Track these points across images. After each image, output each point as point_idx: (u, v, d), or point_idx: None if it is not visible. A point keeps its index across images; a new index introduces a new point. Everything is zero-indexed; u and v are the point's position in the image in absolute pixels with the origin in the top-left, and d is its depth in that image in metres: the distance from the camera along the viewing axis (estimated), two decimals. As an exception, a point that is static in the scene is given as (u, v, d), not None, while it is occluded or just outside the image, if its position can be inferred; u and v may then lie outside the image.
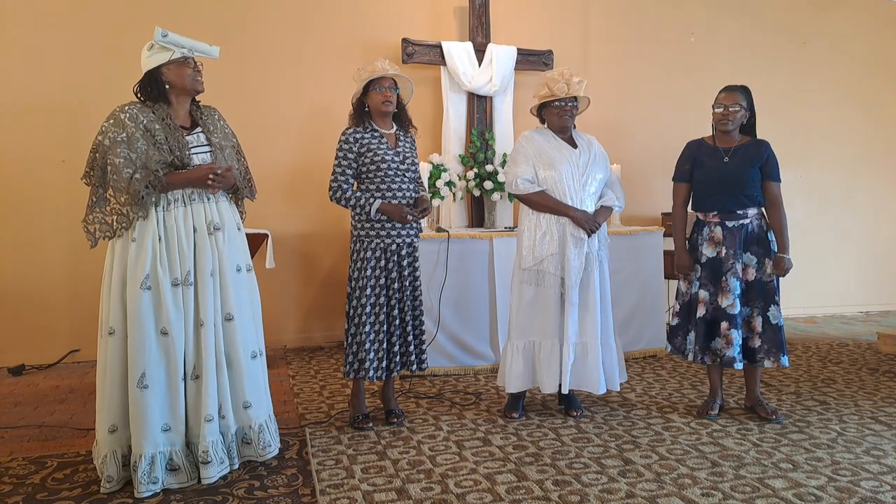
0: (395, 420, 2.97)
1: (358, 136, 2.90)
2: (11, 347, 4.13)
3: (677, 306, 3.09)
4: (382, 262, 2.89)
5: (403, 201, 2.91)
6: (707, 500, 2.18)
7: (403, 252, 2.93)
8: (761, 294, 2.93)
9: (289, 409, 3.22)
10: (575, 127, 3.14)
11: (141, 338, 2.21)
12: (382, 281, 2.89)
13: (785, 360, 2.91)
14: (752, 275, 2.93)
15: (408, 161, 2.95)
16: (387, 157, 2.88)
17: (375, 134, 2.92)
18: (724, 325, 2.90)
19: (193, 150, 2.34)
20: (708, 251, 2.98)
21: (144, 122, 2.26)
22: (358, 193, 2.90)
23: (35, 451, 2.68)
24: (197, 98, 2.46)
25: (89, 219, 2.31)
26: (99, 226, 2.29)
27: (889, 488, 2.25)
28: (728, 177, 2.93)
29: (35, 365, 4.12)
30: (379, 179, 2.88)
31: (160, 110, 2.31)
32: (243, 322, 2.41)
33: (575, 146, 3.07)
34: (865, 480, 2.31)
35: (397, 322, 2.92)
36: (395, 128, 3.00)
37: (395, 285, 2.91)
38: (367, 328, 2.86)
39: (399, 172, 2.90)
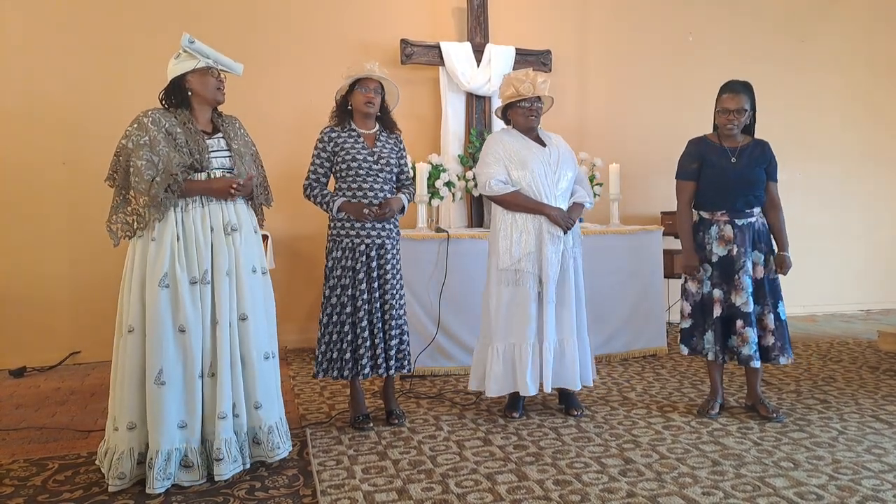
0: (396, 420, 2.97)
1: (333, 135, 2.92)
2: (13, 349, 4.13)
3: (688, 307, 3.07)
4: (350, 263, 2.88)
5: (375, 201, 2.89)
6: (708, 499, 2.18)
7: (373, 254, 2.89)
8: (771, 291, 2.96)
9: (289, 409, 3.21)
10: (539, 127, 3.14)
11: (158, 335, 2.25)
12: (346, 281, 2.87)
13: (791, 355, 2.97)
14: (760, 272, 2.94)
15: (383, 161, 2.92)
16: (358, 157, 2.87)
17: (353, 133, 2.92)
18: (739, 323, 2.90)
19: (213, 154, 2.40)
20: (719, 250, 2.97)
21: (166, 125, 2.33)
22: (326, 191, 2.92)
23: (36, 452, 2.68)
24: (219, 108, 2.53)
25: (112, 219, 2.36)
26: (121, 225, 2.34)
27: (890, 486, 2.25)
28: (739, 178, 2.94)
29: (36, 367, 4.12)
30: (351, 178, 2.88)
31: (182, 115, 2.38)
32: (257, 323, 2.44)
33: (543, 145, 3.07)
34: (866, 479, 2.31)
35: (363, 324, 2.86)
36: (376, 128, 2.99)
37: (363, 286, 2.86)
38: (338, 328, 2.87)
39: (372, 172, 2.89)
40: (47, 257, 4.24)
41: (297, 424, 2.99)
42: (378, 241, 2.90)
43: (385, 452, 2.63)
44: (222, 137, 2.46)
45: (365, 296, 2.87)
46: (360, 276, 2.87)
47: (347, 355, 2.87)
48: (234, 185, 2.35)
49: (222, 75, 2.46)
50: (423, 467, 2.48)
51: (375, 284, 2.89)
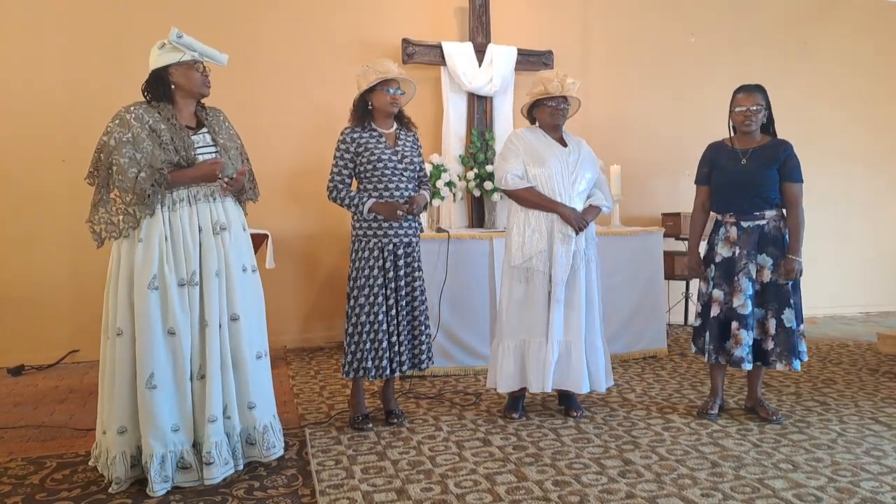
0: (395, 420, 2.97)
1: (355, 135, 2.91)
2: (11, 348, 4.13)
3: (699, 307, 3.08)
4: (380, 262, 2.89)
5: (401, 200, 2.90)
6: (707, 500, 2.18)
7: (401, 252, 2.92)
8: (776, 296, 2.89)
9: (289, 409, 3.22)
10: (564, 129, 3.14)
11: (149, 338, 2.22)
12: (380, 280, 2.88)
13: (797, 364, 2.87)
14: (767, 276, 2.90)
15: (406, 160, 2.94)
16: (383, 157, 2.88)
17: (374, 133, 2.92)
18: (734, 325, 2.89)
19: (199, 150, 2.35)
20: (723, 251, 2.97)
21: (150, 122, 2.27)
22: (353, 193, 2.91)
23: (34, 451, 2.68)
24: (202, 100, 2.48)
25: (94, 219, 2.29)
26: (105, 226, 2.27)
27: (889, 489, 2.25)
28: (744, 179, 2.92)
29: (35, 365, 4.12)
30: (376, 179, 2.88)
31: (165, 110, 2.31)
32: (249, 322, 2.41)
33: (565, 145, 3.08)
34: (865, 481, 2.31)
35: (395, 322, 2.91)
36: (395, 127, 3.00)
37: (393, 285, 2.89)
38: (367, 328, 2.86)
39: (397, 171, 2.90)
40: (46, 255, 4.23)
41: (297, 424, 2.99)
42: (406, 240, 2.93)
43: (384, 453, 2.63)
44: (207, 132, 2.40)
45: (395, 294, 2.89)
46: (391, 274, 2.88)
47: (387, 354, 2.87)
48: (227, 180, 2.28)
49: (207, 68, 2.40)
50: (422, 467, 2.47)
51: (403, 283, 2.92)
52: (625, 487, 2.28)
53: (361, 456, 2.59)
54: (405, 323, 2.94)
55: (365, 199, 2.87)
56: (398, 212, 2.85)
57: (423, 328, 2.99)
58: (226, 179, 2.32)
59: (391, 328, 2.90)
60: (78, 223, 4.23)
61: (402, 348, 2.92)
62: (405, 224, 2.92)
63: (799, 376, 3.76)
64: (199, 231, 2.32)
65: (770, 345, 2.90)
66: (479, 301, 3.92)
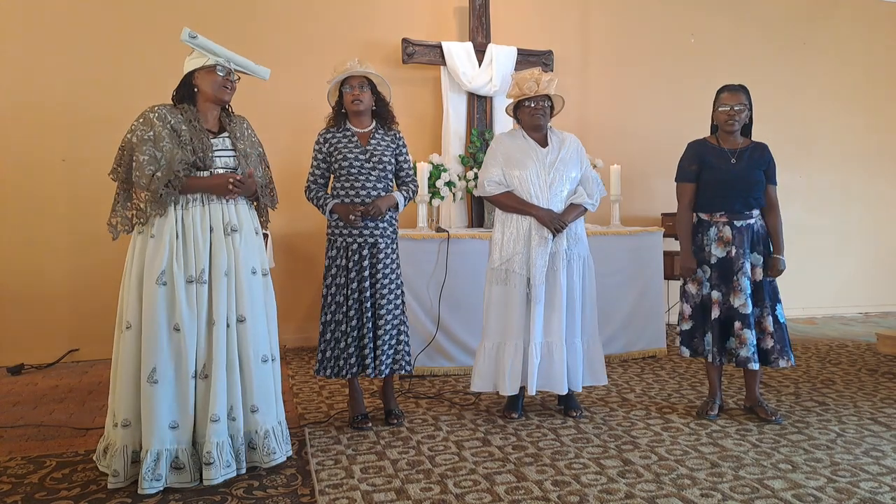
0: (395, 420, 2.97)
1: (328, 136, 2.94)
2: (10, 347, 4.13)
3: (688, 309, 3.05)
4: (343, 262, 2.89)
5: (368, 199, 2.89)
6: (706, 500, 2.18)
7: (365, 252, 2.89)
8: (769, 293, 2.95)
9: (288, 409, 3.20)
10: (552, 127, 3.14)
11: (153, 332, 2.23)
12: (341, 280, 2.89)
13: (793, 359, 2.95)
14: (759, 275, 2.94)
15: (375, 159, 2.91)
16: (350, 156, 2.88)
17: (347, 133, 2.93)
18: (737, 324, 2.90)
19: (217, 153, 2.38)
20: (717, 251, 2.97)
21: (172, 122, 2.32)
22: (321, 193, 2.95)
23: (34, 450, 2.68)
24: (230, 107, 2.53)
25: (113, 216, 2.37)
26: (120, 220, 2.35)
27: (888, 489, 2.25)
28: (738, 179, 2.93)
29: (34, 364, 4.12)
30: (344, 178, 2.90)
31: (188, 112, 2.38)
32: (255, 325, 2.40)
33: (545, 145, 3.07)
34: (864, 481, 2.31)
35: (358, 324, 2.87)
36: (371, 126, 2.98)
37: (355, 286, 2.87)
38: (332, 326, 2.88)
39: (364, 171, 2.89)
40: (46, 255, 4.23)
41: (296, 424, 2.99)
42: (371, 240, 2.90)
43: (384, 452, 2.63)
44: (227, 137, 2.44)
45: (356, 295, 2.87)
46: (353, 274, 2.87)
47: (343, 354, 2.88)
48: (233, 180, 2.32)
49: (233, 75, 2.43)
50: (421, 467, 2.47)
51: (367, 283, 2.88)
52: (624, 487, 2.28)
53: (361, 455, 2.59)
54: (369, 325, 2.88)
55: (329, 201, 2.90)
56: (351, 216, 2.82)
57: (382, 332, 2.89)
58: (234, 178, 2.33)
59: (352, 329, 2.87)
60: (78, 222, 4.28)
61: (367, 351, 2.87)
62: (371, 224, 2.89)
63: (798, 376, 3.77)
64: (210, 231, 2.35)
65: (769, 343, 2.92)
66: (479, 301, 3.87)
